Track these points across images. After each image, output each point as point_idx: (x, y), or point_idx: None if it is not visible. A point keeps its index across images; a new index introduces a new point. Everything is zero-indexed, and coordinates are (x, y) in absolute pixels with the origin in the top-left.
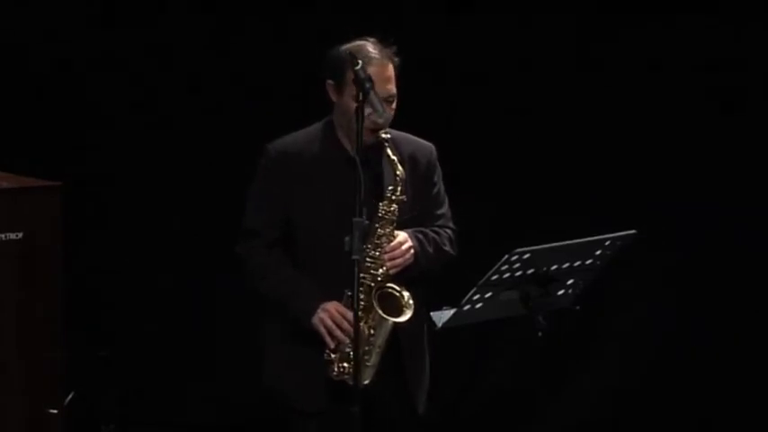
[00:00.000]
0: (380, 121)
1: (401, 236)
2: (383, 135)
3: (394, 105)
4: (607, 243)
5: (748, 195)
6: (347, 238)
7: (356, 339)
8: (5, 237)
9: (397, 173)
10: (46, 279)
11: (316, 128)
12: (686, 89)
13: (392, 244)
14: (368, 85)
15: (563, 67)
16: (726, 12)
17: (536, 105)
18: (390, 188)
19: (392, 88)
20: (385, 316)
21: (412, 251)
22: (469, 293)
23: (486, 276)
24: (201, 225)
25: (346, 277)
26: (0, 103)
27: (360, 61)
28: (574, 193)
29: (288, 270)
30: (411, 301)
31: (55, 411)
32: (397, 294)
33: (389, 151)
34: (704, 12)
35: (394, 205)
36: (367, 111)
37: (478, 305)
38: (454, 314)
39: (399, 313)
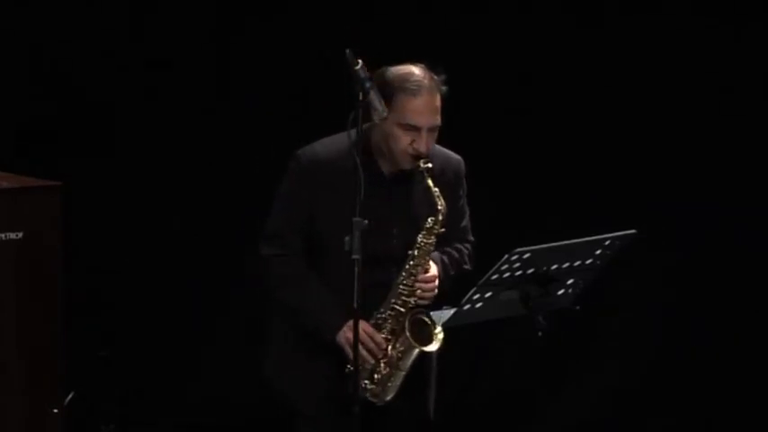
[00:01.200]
0: (423, 150)
1: (433, 270)
2: (423, 165)
3: (435, 135)
4: (607, 243)
5: (748, 195)
6: (347, 238)
7: (355, 339)
8: (5, 237)
9: (439, 206)
10: (46, 279)
11: (349, 137)
12: (686, 89)
13: (426, 276)
14: (368, 85)
15: (563, 67)
16: (726, 12)
17: (536, 105)
18: (432, 220)
19: (438, 119)
20: (414, 343)
21: (437, 283)
22: (469, 293)
23: (486, 276)
24: (201, 225)
25: (371, 290)
26: (0, 103)
27: (359, 60)
28: (574, 193)
29: (314, 283)
30: (441, 334)
31: (55, 411)
32: (429, 323)
33: (430, 182)
34: (704, 12)
35: (433, 237)
36: (409, 139)
37: (478, 305)
38: (454, 314)
39: (429, 341)
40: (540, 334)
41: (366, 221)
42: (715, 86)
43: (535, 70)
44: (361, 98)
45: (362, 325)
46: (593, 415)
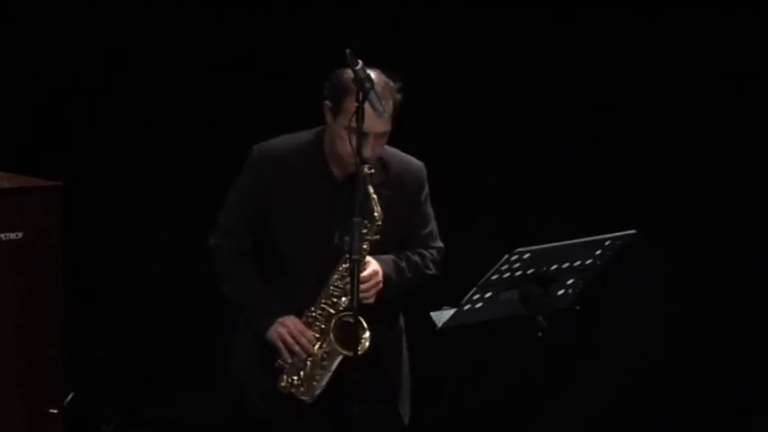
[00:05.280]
0: (368, 155)
1: (370, 269)
2: (367, 170)
3: (384, 141)
4: (607, 243)
5: (748, 195)
6: (347, 238)
7: (356, 339)
8: (5, 237)
9: (375, 213)
10: (46, 279)
11: (306, 136)
12: (687, 89)
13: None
14: (368, 85)
15: (562, 67)
16: (728, 13)
17: (535, 104)
18: (367, 223)
19: (387, 125)
20: (337, 346)
21: (380, 284)
22: (469, 293)
23: (487, 276)
24: (202, 225)
25: (312, 290)
26: (0, 103)
27: (359, 61)
28: (574, 193)
29: (252, 280)
30: (368, 340)
31: (55, 411)
32: (358, 327)
33: (370, 189)
34: (705, 12)
35: (365, 244)
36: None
37: (478, 305)
38: (454, 314)
39: (355, 345)
40: (540, 334)
41: (366, 221)
42: (716, 86)
43: (535, 70)
44: (360, 98)
45: (293, 320)
46: (593, 415)
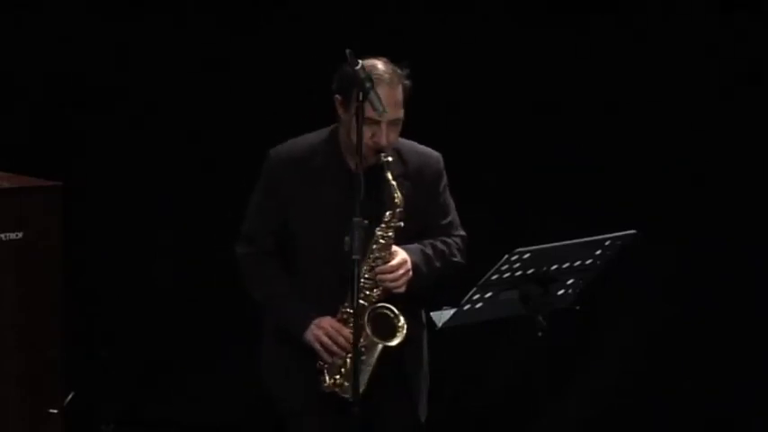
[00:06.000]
0: (383, 143)
1: (398, 258)
2: (384, 158)
3: (399, 129)
4: (607, 243)
5: (748, 195)
6: (347, 238)
7: (356, 340)
8: (5, 237)
9: (396, 200)
10: (46, 279)
11: (320, 135)
12: (687, 89)
13: (385, 266)
14: (368, 85)
15: (562, 66)
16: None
17: (536, 105)
18: (389, 213)
19: (399, 112)
20: (375, 339)
21: (410, 272)
22: (469, 293)
23: (487, 276)
24: (202, 224)
25: (340, 288)
26: (0, 103)
27: (359, 61)
28: (574, 193)
29: (282, 282)
30: (405, 328)
31: (55, 411)
32: (392, 316)
33: (389, 175)
34: (704, 12)
35: (391, 231)
36: (370, 132)
37: (478, 305)
38: (454, 314)
39: (392, 335)
40: (540, 334)
41: (366, 221)
42: (717, 86)
43: (535, 70)
44: (360, 98)
45: (329, 320)
46: (593, 415)
